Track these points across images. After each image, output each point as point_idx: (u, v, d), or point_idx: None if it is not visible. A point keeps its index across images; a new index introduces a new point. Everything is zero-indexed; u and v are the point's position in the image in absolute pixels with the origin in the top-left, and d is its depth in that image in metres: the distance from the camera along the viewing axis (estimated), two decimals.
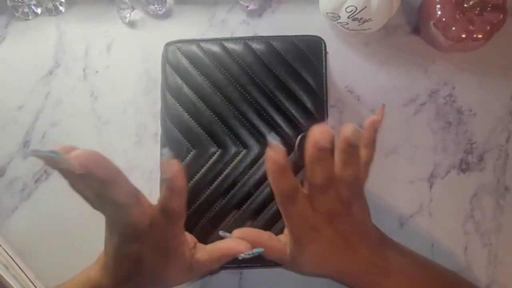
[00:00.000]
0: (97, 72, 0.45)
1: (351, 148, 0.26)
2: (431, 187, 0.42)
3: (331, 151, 0.27)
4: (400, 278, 0.30)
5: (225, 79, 0.38)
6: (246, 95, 0.37)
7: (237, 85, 0.37)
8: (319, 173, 0.27)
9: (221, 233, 0.31)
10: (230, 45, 0.38)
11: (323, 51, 0.38)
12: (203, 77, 0.38)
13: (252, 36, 0.39)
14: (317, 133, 0.26)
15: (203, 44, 0.38)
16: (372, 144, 0.29)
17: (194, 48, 0.38)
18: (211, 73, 0.38)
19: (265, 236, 0.31)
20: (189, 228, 0.36)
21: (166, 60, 0.39)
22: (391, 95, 0.44)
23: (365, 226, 0.31)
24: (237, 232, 0.31)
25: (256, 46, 0.38)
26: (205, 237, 0.36)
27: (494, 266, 0.41)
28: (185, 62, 0.38)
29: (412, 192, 0.42)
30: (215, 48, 0.38)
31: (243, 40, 0.38)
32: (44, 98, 0.45)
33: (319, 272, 0.31)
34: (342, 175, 0.28)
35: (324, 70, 0.38)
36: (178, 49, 0.39)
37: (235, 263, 0.36)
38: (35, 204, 0.43)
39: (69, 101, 0.45)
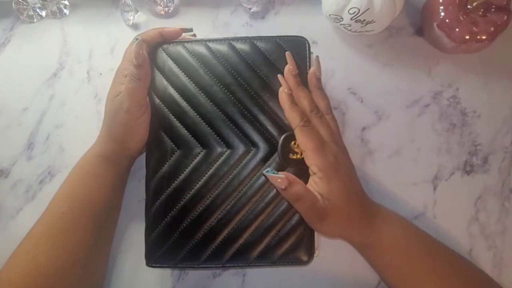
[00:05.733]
0: (101, 74, 0.45)
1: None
2: (435, 189, 0.42)
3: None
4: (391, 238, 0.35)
5: (210, 79, 0.38)
6: (231, 95, 0.37)
7: (222, 86, 0.37)
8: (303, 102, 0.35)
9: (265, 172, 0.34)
10: (214, 46, 0.38)
11: (307, 52, 0.38)
12: (187, 78, 0.38)
13: (236, 37, 0.39)
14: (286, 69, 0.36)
15: (188, 45, 0.38)
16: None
17: (179, 49, 0.38)
18: (195, 74, 0.38)
19: (303, 183, 0.34)
20: (174, 227, 0.36)
21: (152, 61, 0.39)
22: (394, 97, 0.44)
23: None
24: (282, 172, 0.35)
25: (240, 46, 0.38)
26: (190, 237, 0.36)
27: (499, 269, 0.40)
28: (170, 63, 0.38)
29: (416, 194, 0.42)
30: (200, 49, 0.38)
31: (228, 41, 0.38)
32: (48, 100, 0.45)
33: (346, 209, 0.34)
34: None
35: (307, 70, 0.38)
36: (163, 50, 0.39)
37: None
38: (40, 206, 0.43)
39: (73, 103, 0.45)
